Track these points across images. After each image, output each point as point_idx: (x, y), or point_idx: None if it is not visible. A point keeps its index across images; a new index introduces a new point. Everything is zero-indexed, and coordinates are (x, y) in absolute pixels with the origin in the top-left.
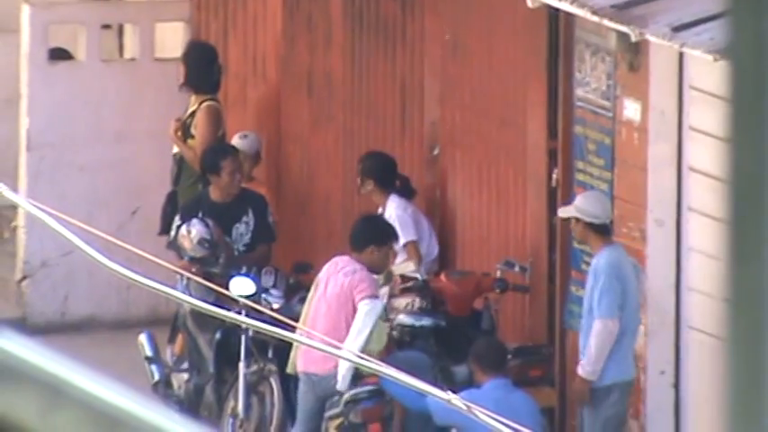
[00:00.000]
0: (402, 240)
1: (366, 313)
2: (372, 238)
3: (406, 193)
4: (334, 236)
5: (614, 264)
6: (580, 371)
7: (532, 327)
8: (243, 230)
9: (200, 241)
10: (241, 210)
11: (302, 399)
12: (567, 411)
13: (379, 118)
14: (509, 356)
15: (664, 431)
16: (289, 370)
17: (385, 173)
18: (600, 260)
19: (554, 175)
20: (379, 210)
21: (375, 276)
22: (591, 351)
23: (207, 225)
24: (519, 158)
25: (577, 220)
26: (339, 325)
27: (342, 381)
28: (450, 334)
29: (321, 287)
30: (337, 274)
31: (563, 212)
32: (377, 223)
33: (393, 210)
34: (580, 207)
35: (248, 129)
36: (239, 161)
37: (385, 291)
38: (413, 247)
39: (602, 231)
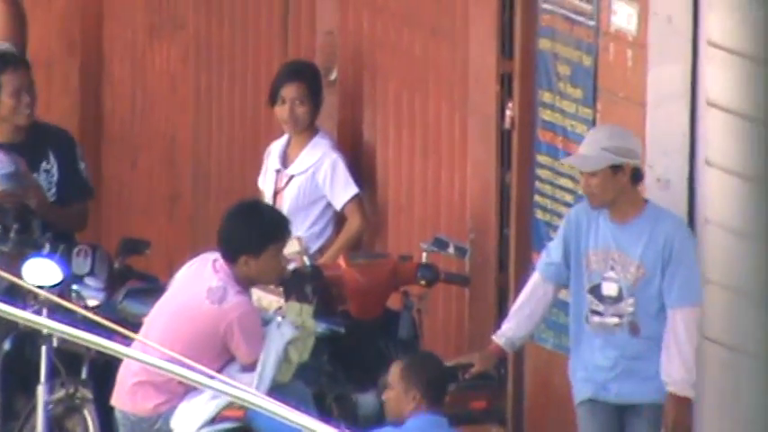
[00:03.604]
0: (343, 199)
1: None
2: (242, 246)
3: None
4: (183, 198)
5: (689, 230)
6: (681, 389)
7: (474, 336)
8: (44, 182)
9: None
10: (38, 152)
11: None
12: None
13: (250, 25)
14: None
15: None
16: (113, 401)
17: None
18: (670, 224)
19: (508, 112)
20: (273, 153)
21: (263, 299)
22: (688, 353)
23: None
24: (457, 87)
25: (615, 169)
26: (186, 351)
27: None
28: (351, 346)
29: (173, 291)
30: (201, 289)
31: (596, 161)
32: (249, 220)
33: (326, 150)
34: (624, 146)
35: (53, 37)
36: (29, 77)
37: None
38: (359, 205)
39: (640, 180)
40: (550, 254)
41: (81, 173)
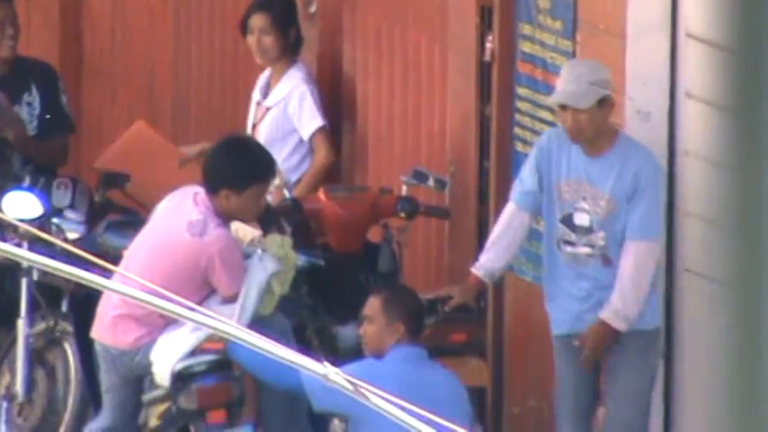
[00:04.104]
0: (309, 130)
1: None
2: (225, 178)
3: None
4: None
5: (659, 165)
6: (610, 318)
7: (454, 269)
8: (25, 115)
9: None
10: (20, 85)
11: (104, 377)
12: (505, 393)
13: None
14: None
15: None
16: (93, 333)
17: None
18: (640, 159)
19: (487, 45)
20: (260, 88)
21: (240, 233)
22: (629, 287)
23: None
24: (437, 19)
25: (601, 102)
26: (166, 285)
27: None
28: (331, 278)
29: (153, 224)
30: (181, 221)
31: (587, 97)
32: (236, 155)
33: (297, 82)
34: (605, 78)
35: None
36: (12, 9)
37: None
38: (324, 137)
39: (612, 109)
40: (524, 182)
41: (63, 107)
